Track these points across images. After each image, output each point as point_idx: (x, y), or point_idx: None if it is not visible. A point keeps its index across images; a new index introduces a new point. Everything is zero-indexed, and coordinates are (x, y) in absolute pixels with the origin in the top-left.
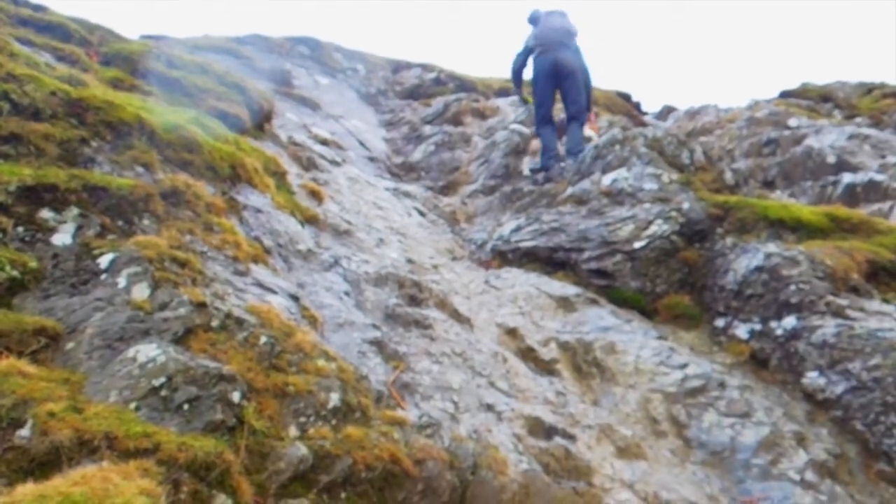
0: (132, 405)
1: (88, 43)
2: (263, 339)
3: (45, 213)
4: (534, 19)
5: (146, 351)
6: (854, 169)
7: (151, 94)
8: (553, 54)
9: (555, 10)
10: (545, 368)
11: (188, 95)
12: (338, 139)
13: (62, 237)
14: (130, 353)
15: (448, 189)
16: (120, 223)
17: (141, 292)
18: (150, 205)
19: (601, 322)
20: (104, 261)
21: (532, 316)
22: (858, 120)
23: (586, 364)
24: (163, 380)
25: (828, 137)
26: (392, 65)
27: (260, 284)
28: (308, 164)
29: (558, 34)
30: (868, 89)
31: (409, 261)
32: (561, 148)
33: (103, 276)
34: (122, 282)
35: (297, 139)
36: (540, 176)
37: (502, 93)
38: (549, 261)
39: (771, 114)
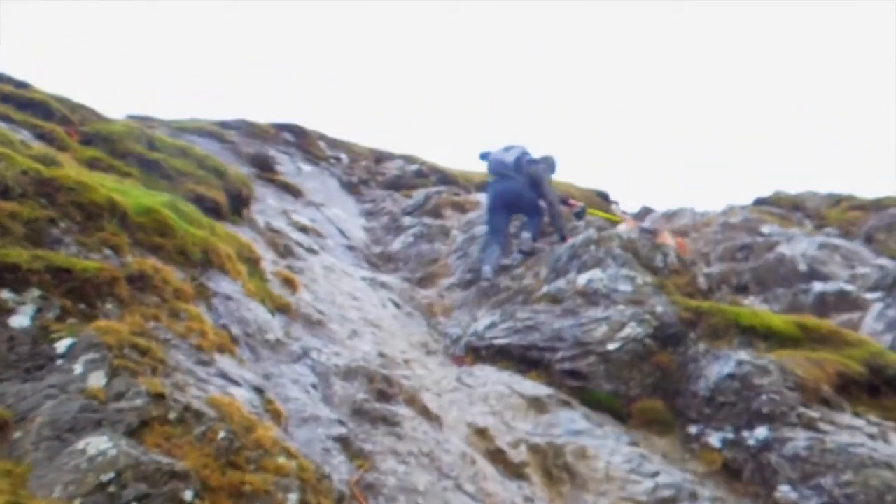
0: (77, 502)
1: (70, 122)
2: (222, 434)
3: (5, 294)
4: (483, 156)
5: (97, 443)
6: (825, 278)
7: (130, 175)
8: (496, 186)
9: (503, 146)
10: (514, 472)
11: (167, 178)
12: (318, 226)
13: (20, 319)
14: (80, 445)
15: (426, 281)
16: (82, 306)
17: (97, 380)
18: (114, 288)
19: (573, 425)
20: (62, 346)
21: (503, 416)
22: (828, 230)
23: (557, 469)
24: (112, 475)
25: (799, 246)
26: (375, 154)
27: (224, 375)
28: (284, 252)
29: (497, 166)
30: (836, 200)
31: (381, 354)
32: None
33: (59, 362)
34: (78, 368)
35: (275, 225)
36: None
37: (483, 187)
38: (522, 359)
39: (745, 220)
